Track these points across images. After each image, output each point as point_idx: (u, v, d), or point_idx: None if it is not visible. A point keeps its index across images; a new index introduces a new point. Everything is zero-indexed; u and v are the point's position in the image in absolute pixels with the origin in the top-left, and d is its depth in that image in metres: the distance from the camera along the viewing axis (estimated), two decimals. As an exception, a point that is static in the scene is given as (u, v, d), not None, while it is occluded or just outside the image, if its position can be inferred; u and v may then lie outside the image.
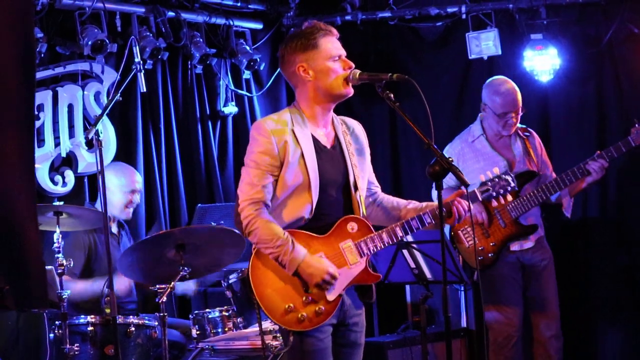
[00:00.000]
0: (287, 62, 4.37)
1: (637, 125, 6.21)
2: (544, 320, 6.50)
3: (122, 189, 6.40)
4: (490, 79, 6.56)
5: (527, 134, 6.53)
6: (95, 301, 5.99)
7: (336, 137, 4.43)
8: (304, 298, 4.24)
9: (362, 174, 4.44)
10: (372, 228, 4.37)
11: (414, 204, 4.50)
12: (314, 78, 4.31)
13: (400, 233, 4.37)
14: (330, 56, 4.31)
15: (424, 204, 4.48)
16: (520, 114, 6.40)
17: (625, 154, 6.28)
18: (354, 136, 4.49)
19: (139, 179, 6.53)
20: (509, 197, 4.47)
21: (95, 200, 6.62)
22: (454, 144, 6.60)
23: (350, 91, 4.35)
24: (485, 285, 6.38)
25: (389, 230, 4.36)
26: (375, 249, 4.34)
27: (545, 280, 6.49)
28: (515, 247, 6.40)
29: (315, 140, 4.35)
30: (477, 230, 6.33)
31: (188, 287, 6.62)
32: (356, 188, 4.37)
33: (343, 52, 4.36)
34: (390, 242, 4.36)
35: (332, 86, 4.31)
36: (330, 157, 4.36)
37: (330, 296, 4.25)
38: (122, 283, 6.07)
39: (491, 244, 6.33)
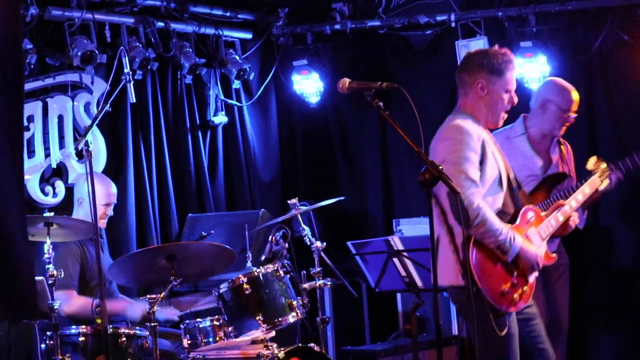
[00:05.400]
0: (470, 71, 4.83)
1: None
2: (553, 332, 6.45)
3: (98, 201, 6.21)
4: (551, 77, 6.55)
5: (563, 143, 6.50)
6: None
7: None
8: (511, 282, 4.62)
9: None
10: (541, 214, 4.89)
11: None
12: (486, 98, 4.77)
13: (561, 218, 4.94)
14: (507, 89, 4.79)
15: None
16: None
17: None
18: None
19: (114, 191, 6.36)
20: None
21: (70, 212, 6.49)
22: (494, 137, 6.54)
23: (501, 124, 4.88)
24: None
25: (552, 217, 4.91)
26: (549, 232, 4.87)
27: (557, 290, 6.43)
28: None
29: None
30: None
31: (170, 314, 6.45)
32: (513, 181, 4.86)
33: (514, 87, 4.79)
34: (556, 225, 4.92)
35: (495, 114, 4.80)
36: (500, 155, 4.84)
37: (532, 278, 4.71)
38: (140, 308, 6.04)
39: None
